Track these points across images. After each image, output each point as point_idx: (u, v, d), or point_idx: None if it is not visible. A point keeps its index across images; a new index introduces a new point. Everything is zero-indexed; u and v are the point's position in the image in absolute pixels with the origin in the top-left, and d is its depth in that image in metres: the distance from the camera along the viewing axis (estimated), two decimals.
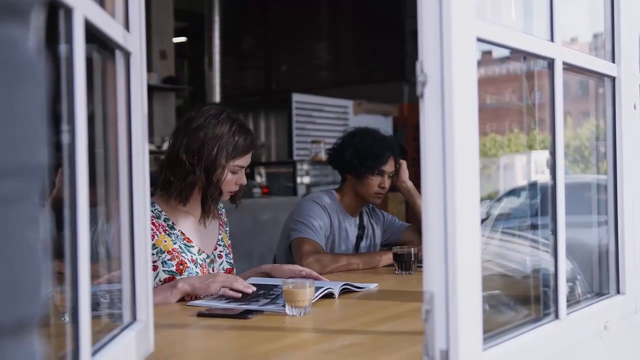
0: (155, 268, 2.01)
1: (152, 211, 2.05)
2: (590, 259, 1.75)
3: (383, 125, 6.64)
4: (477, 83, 1.08)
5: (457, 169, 1.03)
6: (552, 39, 1.37)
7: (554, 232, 1.38)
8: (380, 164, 2.71)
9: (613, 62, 1.66)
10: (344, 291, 2.01)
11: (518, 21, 1.60)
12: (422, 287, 1.05)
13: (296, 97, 7.50)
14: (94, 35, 0.98)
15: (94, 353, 0.94)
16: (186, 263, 2.07)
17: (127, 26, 1.18)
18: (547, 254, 1.46)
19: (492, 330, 1.19)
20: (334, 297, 1.94)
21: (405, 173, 2.83)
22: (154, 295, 1.76)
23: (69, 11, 0.86)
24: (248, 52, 9.77)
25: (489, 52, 1.30)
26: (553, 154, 1.38)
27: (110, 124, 1.17)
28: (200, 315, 1.72)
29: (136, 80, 1.20)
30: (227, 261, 2.24)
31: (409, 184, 2.85)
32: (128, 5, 1.19)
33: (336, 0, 9.11)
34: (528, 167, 1.74)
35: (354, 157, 2.71)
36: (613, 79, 1.67)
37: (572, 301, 1.49)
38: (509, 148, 1.88)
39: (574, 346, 1.45)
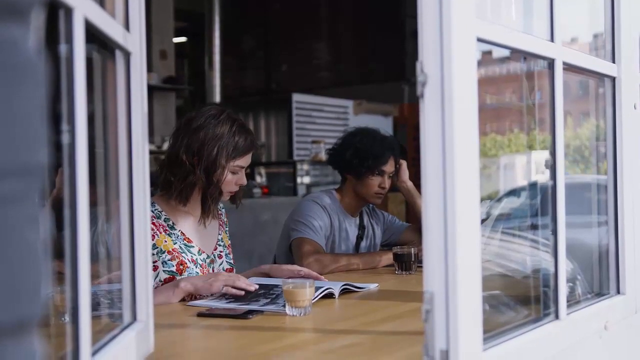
0: (155, 268, 2.01)
1: (152, 211, 2.05)
2: (590, 259, 1.75)
3: (383, 125, 6.63)
4: (477, 83, 1.08)
5: (457, 169, 1.03)
6: (552, 39, 1.37)
7: (554, 232, 1.38)
8: (381, 164, 2.71)
9: (613, 62, 1.66)
10: (344, 291, 2.01)
11: (518, 21, 1.60)
12: (422, 287, 1.05)
13: (296, 97, 7.50)
14: (94, 35, 0.98)
15: (94, 353, 0.94)
16: (186, 263, 2.07)
17: (127, 26, 1.18)
18: (547, 254, 1.46)
19: (492, 331, 1.19)
20: (334, 297, 1.94)
21: (405, 173, 2.83)
22: (156, 295, 1.77)
23: (69, 11, 0.86)
24: (248, 52, 9.77)
25: (489, 52, 1.30)
26: (553, 154, 1.38)
27: (111, 124, 1.17)
28: (201, 315, 1.73)
29: (136, 80, 1.20)
30: (227, 261, 2.24)
31: (409, 184, 2.85)
32: (128, 5, 1.19)
33: (336, 0, 9.11)
34: (528, 167, 1.74)
35: (354, 157, 2.71)
36: (613, 79, 1.67)
37: (572, 301, 1.49)
38: (509, 148, 1.88)
39: (574, 346, 1.45)
